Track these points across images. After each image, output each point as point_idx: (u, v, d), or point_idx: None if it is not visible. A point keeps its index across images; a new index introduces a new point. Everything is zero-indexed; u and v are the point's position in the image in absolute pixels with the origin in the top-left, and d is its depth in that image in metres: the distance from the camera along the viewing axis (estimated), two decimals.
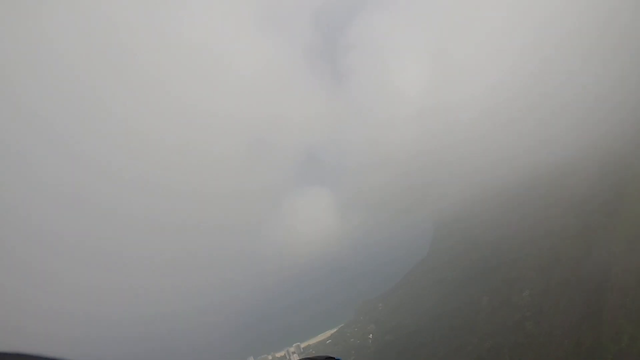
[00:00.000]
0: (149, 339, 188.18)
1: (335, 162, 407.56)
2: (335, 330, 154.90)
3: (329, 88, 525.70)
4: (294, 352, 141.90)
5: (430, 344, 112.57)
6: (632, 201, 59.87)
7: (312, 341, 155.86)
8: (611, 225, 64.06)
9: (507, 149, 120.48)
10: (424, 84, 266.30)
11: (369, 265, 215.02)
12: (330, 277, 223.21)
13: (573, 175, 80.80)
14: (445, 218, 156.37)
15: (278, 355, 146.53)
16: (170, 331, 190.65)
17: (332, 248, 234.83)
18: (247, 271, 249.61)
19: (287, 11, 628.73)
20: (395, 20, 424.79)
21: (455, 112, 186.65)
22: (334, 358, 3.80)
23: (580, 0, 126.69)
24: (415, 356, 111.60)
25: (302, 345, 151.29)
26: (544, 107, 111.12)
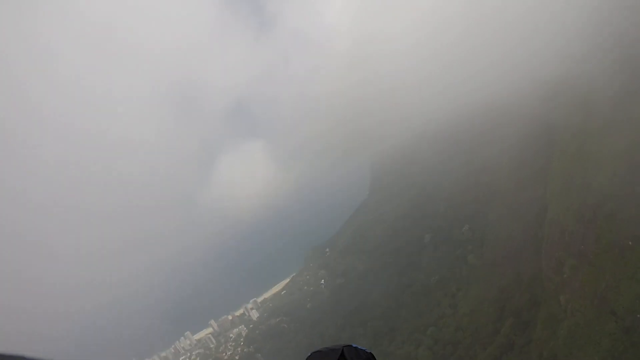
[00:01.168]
0: (108, 309, 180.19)
1: (268, 112, 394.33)
2: (288, 280, 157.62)
3: (254, 36, 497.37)
4: (252, 308, 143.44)
5: (380, 283, 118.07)
6: (566, 141, 63.54)
7: (268, 294, 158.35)
8: (546, 164, 68.33)
9: (443, 90, 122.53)
10: (356, 25, 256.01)
11: (313, 213, 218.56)
12: (276, 229, 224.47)
13: (509, 115, 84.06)
14: (383, 160, 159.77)
15: (237, 314, 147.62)
16: (126, 308, 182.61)
17: (274, 200, 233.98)
18: (190, 236, 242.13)
19: None
20: None
21: (392, 46, 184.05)
22: (351, 345, 3.53)
23: None
24: (367, 296, 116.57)
25: (259, 300, 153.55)
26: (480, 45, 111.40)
